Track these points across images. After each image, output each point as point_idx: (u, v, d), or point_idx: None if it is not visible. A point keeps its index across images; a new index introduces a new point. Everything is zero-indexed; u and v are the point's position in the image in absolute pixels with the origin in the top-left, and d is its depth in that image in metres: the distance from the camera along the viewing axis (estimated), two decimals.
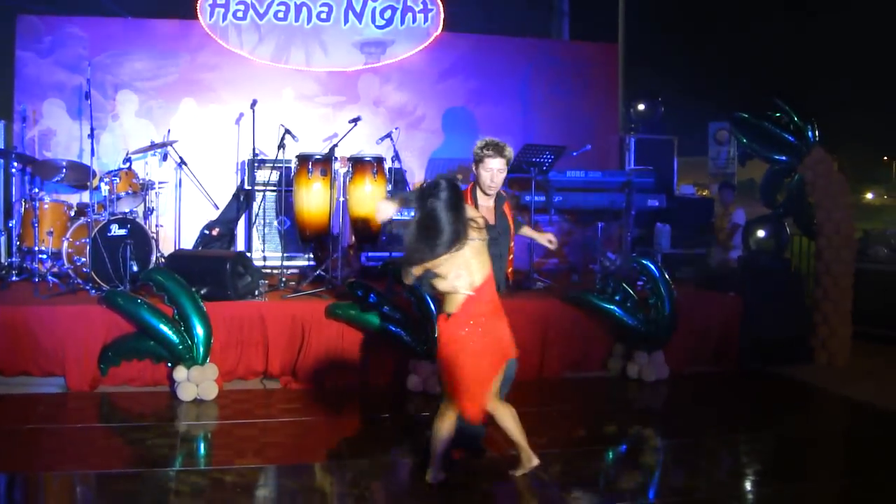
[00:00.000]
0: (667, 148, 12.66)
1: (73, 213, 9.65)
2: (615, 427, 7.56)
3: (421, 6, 11.92)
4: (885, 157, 54.35)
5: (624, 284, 8.90)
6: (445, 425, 5.65)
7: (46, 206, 9.39)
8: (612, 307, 8.77)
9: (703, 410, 8.13)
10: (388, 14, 11.89)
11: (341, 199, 9.83)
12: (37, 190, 9.54)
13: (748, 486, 6.28)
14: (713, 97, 15.94)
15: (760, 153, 10.49)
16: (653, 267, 8.94)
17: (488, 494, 5.93)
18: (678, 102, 13.73)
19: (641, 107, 12.63)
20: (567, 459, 6.52)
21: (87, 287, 8.80)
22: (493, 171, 5.90)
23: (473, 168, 6.09)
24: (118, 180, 9.43)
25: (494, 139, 5.98)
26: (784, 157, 10.24)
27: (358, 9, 11.79)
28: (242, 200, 10.77)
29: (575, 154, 10.52)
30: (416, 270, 5.39)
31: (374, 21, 11.88)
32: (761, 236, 10.38)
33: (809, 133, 10.03)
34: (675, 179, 12.71)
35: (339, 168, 9.97)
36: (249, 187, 10.64)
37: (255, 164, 10.55)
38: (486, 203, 6.07)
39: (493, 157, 5.85)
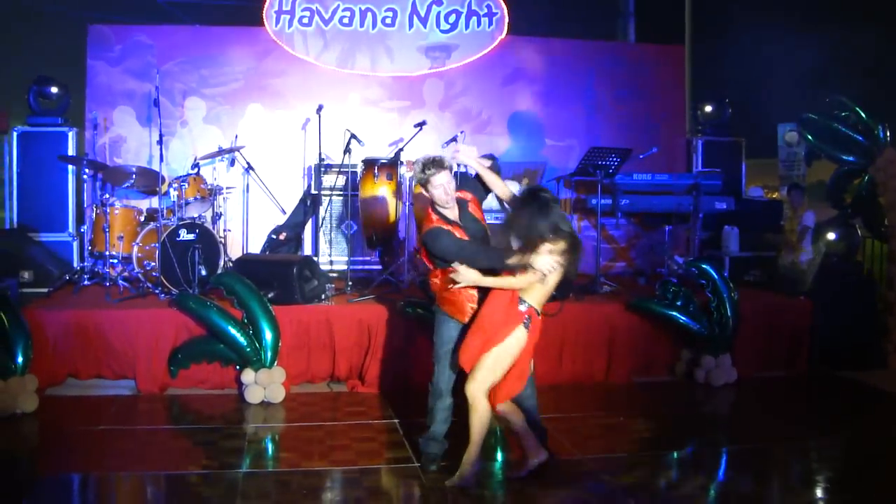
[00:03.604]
0: (735, 150, 12.47)
1: (142, 219, 9.82)
2: (682, 432, 7.47)
3: (485, 10, 11.89)
4: None
5: (684, 288, 8.80)
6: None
7: (117, 211, 9.55)
8: (674, 313, 8.68)
9: (772, 415, 8.00)
10: (452, 18, 11.87)
11: (407, 203, 9.87)
12: (108, 196, 9.71)
13: (819, 493, 6.17)
14: (782, 98, 15.66)
15: (829, 154, 10.33)
16: (712, 270, 8.83)
17: (554, 498, 5.90)
18: (746, 103, 13.52)
19: (709, 108, 12.45)
20: (633, 464, 6.47)
21: (157, 291, 8.93)
22: (444, 184, 5.83)
23: (423, 191, 6.02)
24: (187, 186, 9.54)
25: (427, 156, 5.95)
26: (853, 158, 10.07)
27: (422, 13, 11.78)
28: (309, 205, 10.84)
29: (641, 157, 10.42)
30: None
31: (438, 25, 11.86)
32: (832, 239, 10.19)
33: (880, 133, 9.85)
34: (743, 182, 12.52)
35: (405, 172, 9.99)
36: (316, 192, 10.68)
37: (322, 169, 10.59)
38: (452, 215, 6.00)
39: (437, 172, 5.82)
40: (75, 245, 10.67)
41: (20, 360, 7.32)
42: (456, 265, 5.66)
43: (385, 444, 6.74)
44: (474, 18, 11.88)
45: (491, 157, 6.39)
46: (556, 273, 5.58)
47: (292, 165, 11.39)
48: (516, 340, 5.62)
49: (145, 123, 11.23)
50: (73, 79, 11.28)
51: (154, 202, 10.23)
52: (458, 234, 5.84)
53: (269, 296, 8.17)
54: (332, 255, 10.80)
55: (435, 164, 5.86)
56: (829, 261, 9.93)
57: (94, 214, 9.83)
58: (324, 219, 10.73)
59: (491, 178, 6.12)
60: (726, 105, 12.45)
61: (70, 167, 10.60)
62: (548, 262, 5.52)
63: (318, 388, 8.36)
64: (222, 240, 9.76)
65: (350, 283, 9.43)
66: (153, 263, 9.24)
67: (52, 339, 7.89)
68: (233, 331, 7.77)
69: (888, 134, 9.87)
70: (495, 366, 5.64)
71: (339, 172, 10.29)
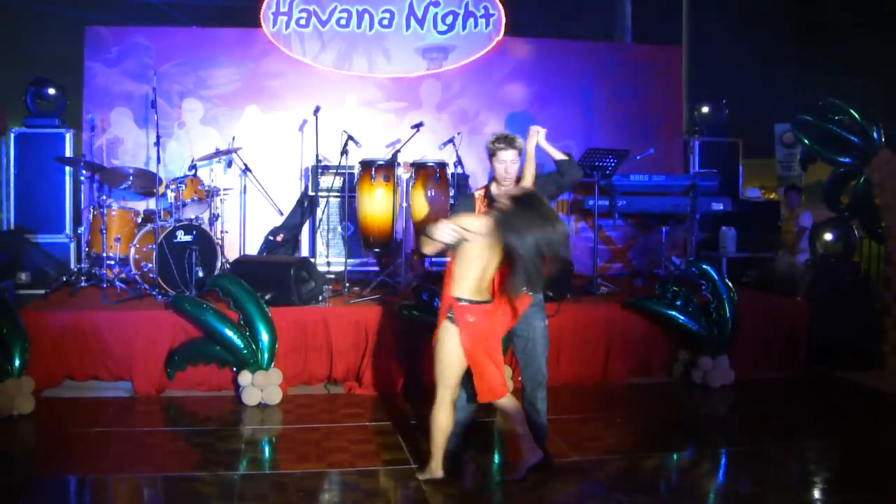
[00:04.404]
0: (732, 150, 12.49)
1: (140, 220, 9.80)
2: (680, 433, 7.46)
3: (483, 11, 11.87)
4: None
5: (684, 289, 8.80)
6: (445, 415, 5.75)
7: (114, 213, 9.55)
8: (673, 313, 8.67)
9: (770, 416, 8.00)
10: (449, 19, 11.85)
11: (404, 204, 9.87)
12: (105, 197, 9.70)
13: (817, 494, 6.17)
14: (779, 99, 15.67)
15: (824, 156, 10.31)
16: (712, 270, 8.82)
17: (551, 500, 5.89)
18: (743, 104, 13.51)
19: (706, 109, 12.47)
20: (631, 465, 6.47)
21: (154, 293, 8.92)
22: (507, 162, 6.07)
23: (489, 161, 6.24)
24: (184, 187, 9.54)
25: (505, 132, 6.21)
26: (848, 160, 10.05)
27: (420, 15, 11.77)
28: (306, 206, 10.83)
29: (639, 157, 10.42)
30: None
31: (435, 27, 11.84)
32: (829, 239, 10.18)
33: (875, 134, 9.83)
34: (740, 182, 12.54)
35: (402, 173, 9.99)
36: (313, 193, 10.68)
37: (319, 171, 10.58)
38: (496, 191, 6.12)
39: (505, 149, 6.06)
40: (72, 246, 10.68)
41: (17, 361, 7.31)
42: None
43: (382, 446, 6.73)
44: (471, 20, 11.86)
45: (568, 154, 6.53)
46: (484, 258, 5.61)
47: (289, 167, 11.38)
48: (446, 337, 5.58)
49: (142, 125, 11.21)
50: (71, 80, 11.28)
51: (151, 204, 10.22)
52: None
53: (266, 297, 8.17)
54: (329, 256, 10.82)
55: (506, 140, 6.09)
56: (825, 262, 9.93)
57: (91, 216, 9.82)
58: (321, 220, 10.73)
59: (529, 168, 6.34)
60: (723, 106, 12.47)
61: (67, 169, 10.61)
62: (444, 231, 5.60)
63: (315, 390, 8.34)
64: (219, 241, 9.74)
65: (347, 284, 9.43)
66: (150, 265, 9.23)
67: (49, 341, 7.87)
68: (229, 333, 7.76)
69: (883, 135, 9.85)
70: (437, 369, 5.65)
71: (337, 174, 10.29)
